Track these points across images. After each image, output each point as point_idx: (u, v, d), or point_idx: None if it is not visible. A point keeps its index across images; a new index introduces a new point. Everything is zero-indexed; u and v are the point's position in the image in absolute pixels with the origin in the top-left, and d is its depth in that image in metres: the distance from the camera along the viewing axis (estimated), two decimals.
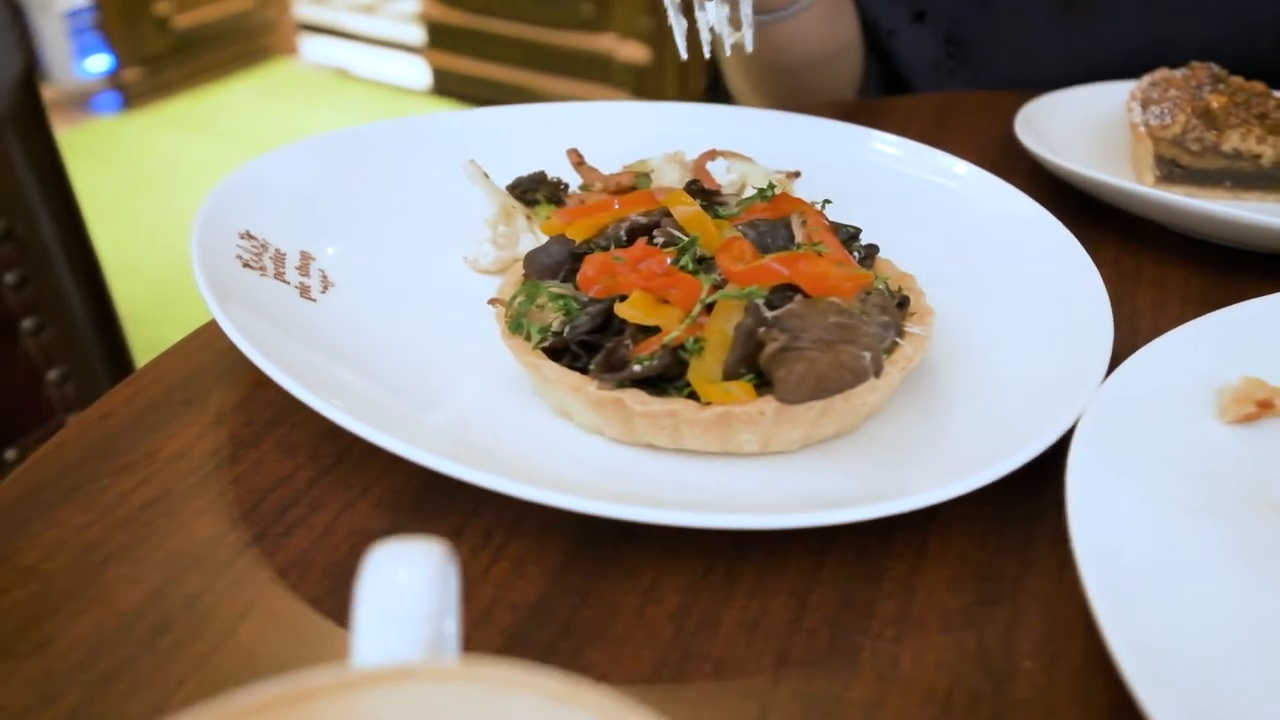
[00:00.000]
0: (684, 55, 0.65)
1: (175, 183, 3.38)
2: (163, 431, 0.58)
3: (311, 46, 4.34)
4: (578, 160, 0.72)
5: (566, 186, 0.72)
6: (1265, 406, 0.54)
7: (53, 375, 1.04)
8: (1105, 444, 0.51)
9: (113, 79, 3.81)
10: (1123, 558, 0.45)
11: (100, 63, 3.78)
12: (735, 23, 0.65)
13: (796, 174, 0.74)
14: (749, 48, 0.65)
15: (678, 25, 0.64)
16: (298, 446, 0.57)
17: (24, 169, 0.98)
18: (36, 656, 0.45)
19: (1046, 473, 0.53)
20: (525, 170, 0.74)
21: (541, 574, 0.49)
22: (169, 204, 3.23)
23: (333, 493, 0.54)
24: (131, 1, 3.77)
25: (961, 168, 0.77)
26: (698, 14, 0.66)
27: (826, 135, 0.81)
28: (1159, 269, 0.75)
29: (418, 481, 0.54)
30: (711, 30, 0.67)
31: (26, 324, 1.01)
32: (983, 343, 0.61)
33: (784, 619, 0.47)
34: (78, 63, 3.76)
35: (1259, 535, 0.49)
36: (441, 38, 3.83)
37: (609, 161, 0.75)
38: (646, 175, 0.70)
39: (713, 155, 0.73)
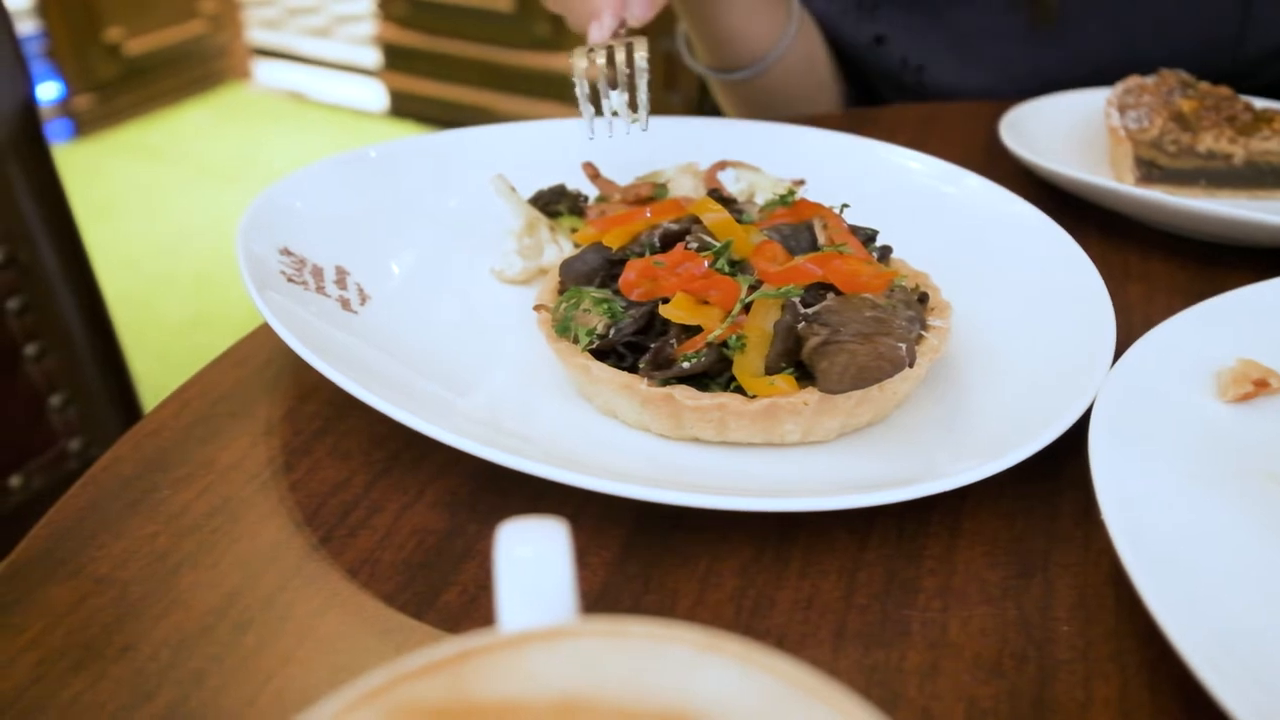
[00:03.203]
0: (591, 137, 0.70)
1: (129, 210, 3.35)
2: (215, 443, 0.60)
3: (265, 71, 4.33)
4: (594, 173, 0.75)
5: (585, 198, 0.75)
6: (1261, 385, 0.58)
7: (55, 401, 1.04)
8: (1119, 426, 0.55)
9: (63, 106, 3.78)
10: (1147, 526, 0.49)
11: (50, 90, 3.73)
12: (633, 106, 0.71)
13: (801, 182, 0.78)
14: (644, 129, 0.71)
15: (586, 112, 0.69)
16: (350, 453, 0.59)
17: (25, 196, 0.99)
18: (125, 659, 0.46)
19: (1061, 455, 0.56)
20: (539, 184, 0.77)
21: (602, 564, 0.52)
22: (124, 231, 3.20)
23: (390, 495, 0.56)
24: (82, 28, 3.74)
25: (958, 173, 0.81)
26: (603, 101, 0.71)
27: (826, 145, 0.85)
28: (1144, 264, 0.79)
29: (471, 483, 0.57)
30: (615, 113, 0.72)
31: (29, 350, 1.02)
32: (993, 336, 0.65)
33: (835, 596, 0.50)
34: None
35: (1265, 502, 0.52)
36: (397, 60, 3.85)
37: (620, 173, 0.78)
38: (662, 185, 0.73)
39: (722, 165, 0.76)
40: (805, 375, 0.54)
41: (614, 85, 0.70)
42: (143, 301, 2.86)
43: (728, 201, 0.66)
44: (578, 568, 0.51)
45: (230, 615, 0.49)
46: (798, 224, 0.61)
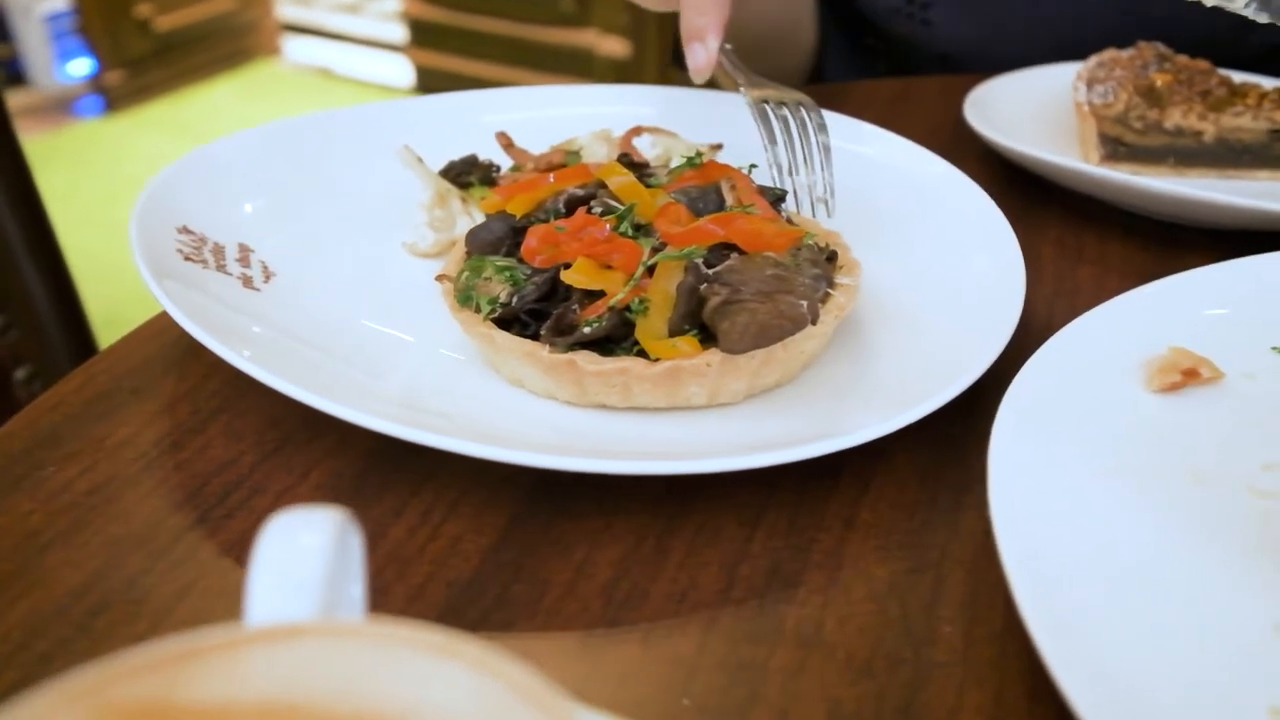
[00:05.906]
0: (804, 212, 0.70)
1: None
2: (111, 420, 0.59)
3: (294, 47, 4.34)
4: (507, 143, 0.73)
5: (498, 169, 0.74)
6: (1191, 375, 0.55)
7: (20, 374, 1.05)
8: (1031, 414, 0.52)
9: (94, 82, 3.81)
10: (1041, 523, 0.46)
11: (82, 66, 3.77)
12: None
13: (719, 146, 0.75)
14: (830, 215, 0.69)
15: (782, 179, 0.70)
16: (243, 433, 0.57)
17: None
18: None
19: (975, 443, 0.54)
20: (457, 155, 0.75)
21: (477, 551, 0.50)
22: None
23: (275, 477, 0.55)
24: (113, 4, 3.77)
25: (877, 134, 0.79)
26: (794, 177, 0.71)
27: (746, 110, 0.82)
28: (1100, 246, 0.76)
29: (358, 466, 0.55)
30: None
31: None
32: (905, 297, 0.64)
33: (713, 590, 0.48)
34: (59, 67, 3.76)
35: (1179, 502, 0.49)
36: (424, 36, 3.84)
37: (537, 143, 0.75)
38: (575, 154, 0.71)
39: (638, 131, 0.74)
40: (710, 338, 0.53)
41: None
42: None
43: (637, 166, 0.64)
44: (449, 556, 0.50)
45: (89, 597, 0.48)
46: (706, 186, 0.59)
